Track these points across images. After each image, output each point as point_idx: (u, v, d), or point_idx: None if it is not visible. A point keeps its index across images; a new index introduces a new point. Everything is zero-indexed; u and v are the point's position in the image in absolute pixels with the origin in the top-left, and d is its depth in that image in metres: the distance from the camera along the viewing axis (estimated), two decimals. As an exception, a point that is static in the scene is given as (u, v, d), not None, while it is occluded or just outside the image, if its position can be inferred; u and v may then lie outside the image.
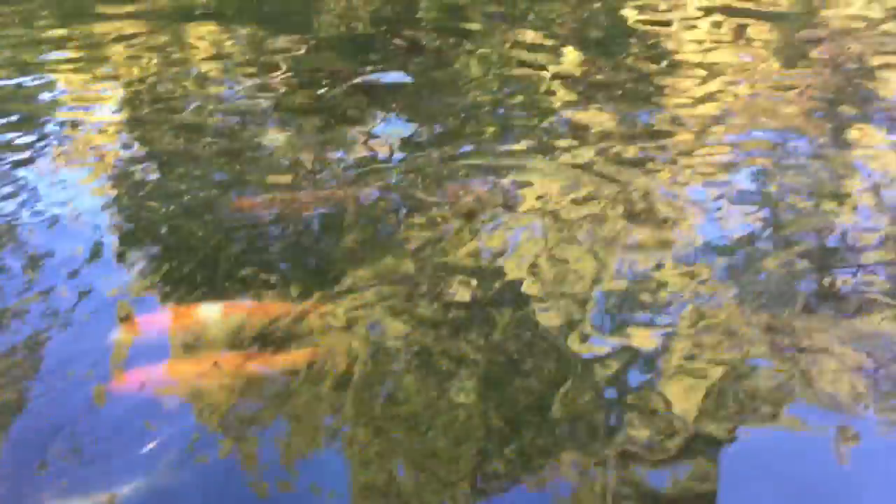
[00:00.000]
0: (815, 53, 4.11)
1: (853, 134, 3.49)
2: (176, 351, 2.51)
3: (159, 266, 2.90)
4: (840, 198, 3.03)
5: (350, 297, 2.67)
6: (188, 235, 3.12)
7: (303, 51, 4.99)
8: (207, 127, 4.05)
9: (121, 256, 2.97)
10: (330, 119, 4.07)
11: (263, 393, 2.33)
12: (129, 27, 5.43)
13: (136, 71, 4.75)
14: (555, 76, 4.26)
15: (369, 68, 4.63)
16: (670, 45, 4.38)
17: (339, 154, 3.68)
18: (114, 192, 3.41)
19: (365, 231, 3.09)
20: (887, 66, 4.04)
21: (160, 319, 2.66)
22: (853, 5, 4.56)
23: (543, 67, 4.36)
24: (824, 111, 3.69)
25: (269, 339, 2.54)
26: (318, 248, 3.10)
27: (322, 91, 4.38)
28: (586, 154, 3.46)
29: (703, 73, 4.11)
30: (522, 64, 4.43)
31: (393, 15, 5.67)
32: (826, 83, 3.88)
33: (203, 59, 4.89)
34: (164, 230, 3.14)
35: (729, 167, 3.29)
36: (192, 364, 2.45)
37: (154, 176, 3.51)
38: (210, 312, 2.66)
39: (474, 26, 5.15)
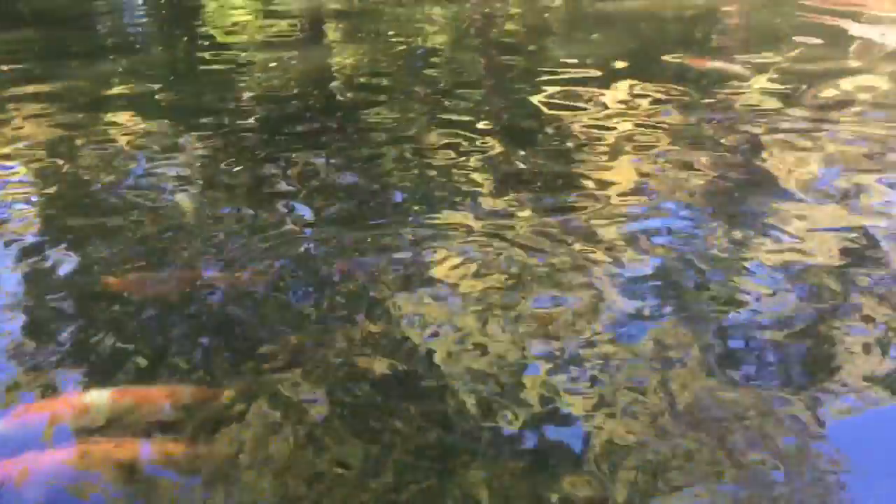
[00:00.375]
0: (718, 135, 4.13)
1: (756, 210, 3.46)
2: (55, 439, 2.34)
3: (43, 351, 2.72)
4: (740, 271, 3.02)
5: (241, 380, 2.51)
6: (72, 316, 2.94)
7: (220, 129, 4.84)
8: (115, 204, 3.91)
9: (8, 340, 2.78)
10: (241, 197, 3.93)
11: (138, 484, 2.18)
12: (38, 108, 5.31)
13: (43, 149, 4.62)
14: (471, 158, 4.18)
15: (285, 146, 4.55)
16: (588, 132, 4.35)
17: (245, 231, 3.55)
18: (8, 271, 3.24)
19: (262, 310, 2.95)
20: (784, 144, 4.00)
21: (43, 408, 2.47)
22: (755, 99, 4.59)
23: (460, 149, 4.29)
24: (727, 189, 3.65)
25: (157, 426, 2.37)
26: (211, 329, 2.91)
27: (237, 169, 4.26)
28: (496, 232, 3.41)
29: (615, 156, 4.05)
30: (440, 146, 4.34)
31: (311, 94, 5.55)
32: (728, 162, 3.86)
33: (113, 139, 4.74)
34: (44, 311, 2.96)
35: (638, 242, 3.23)
36: (66, 452, 2.27)
37: (49, 254, 3.34)
38: (95, 399, 2.46)
39: (393, 106, 5.06)
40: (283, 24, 7.59)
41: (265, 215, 3.68)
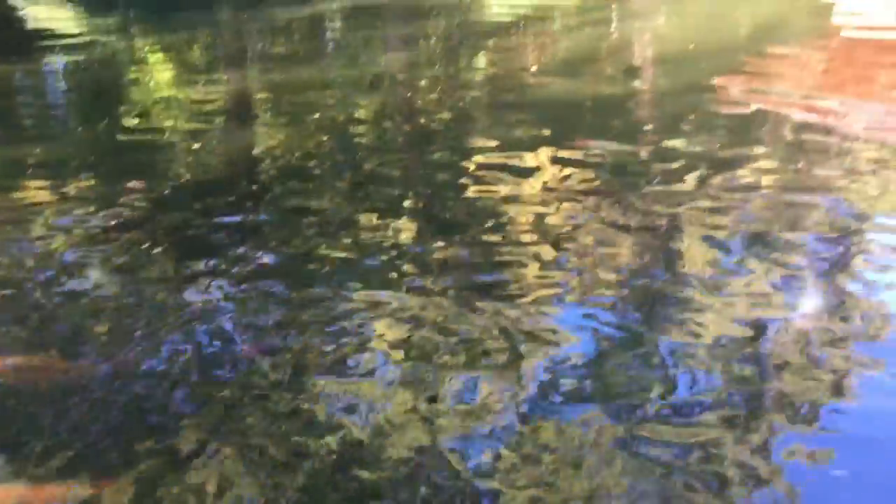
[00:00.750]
0: (632, 219, 4.23)
1: (670, 294, 3.55)
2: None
3: None
4: (654, 355, 3.06)
5: (136, 472, 2.40)
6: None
7: (138, 210, 4.77)
8: (26, 288, 3.78)
9: None
10: (156, 279, 3.84)
11: None
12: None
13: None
14: (394, 240, 4.21)
15: (206, 228, 4.50)
16: (508, 215, 4.44)
17: (155, 313, 3.46)
18: None
19: (161, 393, 2.85)
20: (700, 225, 4.15)
21: None
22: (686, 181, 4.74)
23: (382, 231, 4.31)
24: (642, 273, 3.75)
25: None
26: (102, 417, 2.79)
27: (156, 251, 4.18)
28: (417, 315, 3.41)
29: (534, 240, 4.10)
30: (362, 229, 4.36)
31: (235, 175, 5.54)
32: (643, 248, 3.99)
33: (27, 221, 4.62)
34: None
35: (557, 325, 3.28)
36: None
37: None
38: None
39: (317, 188, 5.08)
40: (210, 103, 7.58)
41: (179, 297, 3.59)
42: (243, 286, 3.70)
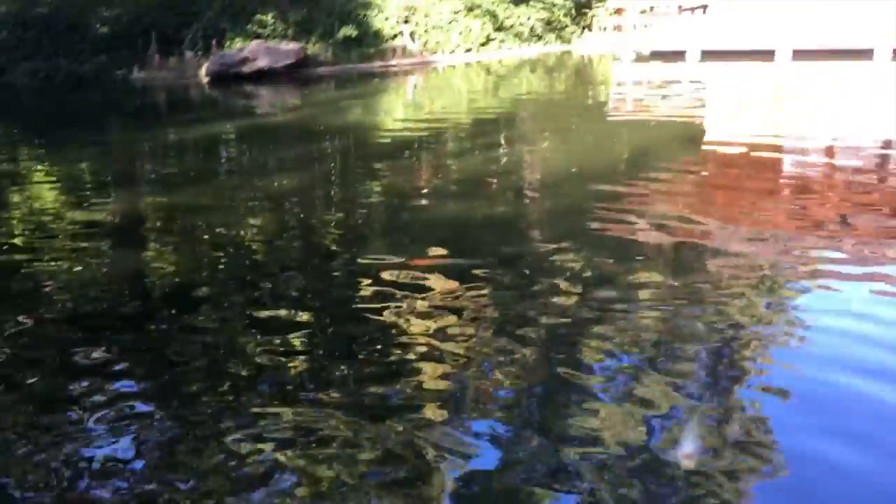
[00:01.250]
0: (526, 334, 4.40)
1: (560, 409, 3.66)
2: None
3: None
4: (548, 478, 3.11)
5: None
6: None
7: (9, 343, 4.60)
8: None
9: None
10: (22, 424, 3.69)
11: None
12: None
13: None
14: (288, 362, 4.20)
15: (85, 347, 4.38)
16: (402, 332, 4.52)
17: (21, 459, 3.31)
18: None
19: None
20: (586, 337, 4.36)
21: None
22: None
23: (276, 353, 4.30)
24: (535, 383, 3.90)
25: None
26: None
27: (30, 381, 4.02)
28: (309, 438, 3.38)
29: (427, 357, 4.19)
30: (255, 353, 4.32)
31: (120, 299, 5.45)
32: (535, 358, 4.13)
33: None
34: None
35: (450, 448, 3.31)
36: None
37: None
38: None
39: (208, 312, 5.03)
40: (97, 225, 7.41)
41: (38, 423, 3.42)
42: (123, 416, 3.56)
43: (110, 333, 4.64)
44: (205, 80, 19.20)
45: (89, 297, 5.33)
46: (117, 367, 4.15)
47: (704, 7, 20.78)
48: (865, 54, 15.37)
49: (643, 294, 4.96)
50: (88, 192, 9.07)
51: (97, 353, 4.33)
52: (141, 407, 3.71)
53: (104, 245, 6.84)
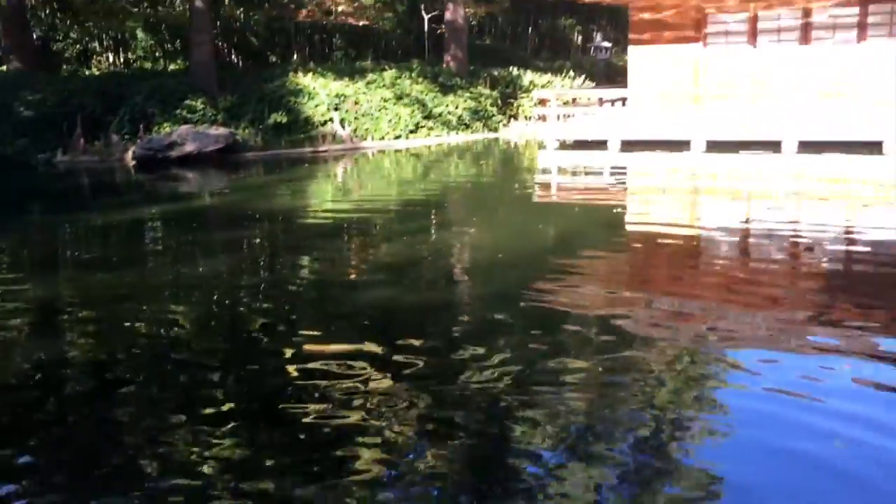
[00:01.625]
0: (458, 418, 4.45)
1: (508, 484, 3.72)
2: None
3: None
4: None
5: None
6: None
7: None
8: None
9: None
10: None
11: None
12: None
13: None
14: (210, 451, 4.12)
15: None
16: (333, 419, 4.52)
17: None
18: None
19: None
20: (518, 421, 4.39)
21: None
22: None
23: (199, 443, 4.21)
24: (471, 465, 3.94)
25: None
26: None
27: None
28: None
29: (362, 443, 4.20)
30: (179, 444, 4.23)
31: (38, 381, 5.30)
32: (467, 442, 4.18)
33: None
34: None
35: None
36: None
37: None
38: None
39: (130, 401, 4.92)
40: (11, 313, 7.14)
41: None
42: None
43: (15, 431, 4.44)
44: (131, 164, 18.99)
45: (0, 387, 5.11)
46: (25, 461, 3.95)
47: (624, 100, 21.82)
48: (775, 146, 16.27)
49: (569, 378, 5.02)
50: (4, 278, 8.76)
51: (6, 450, 4.13)
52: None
53: (17, 333, 6.58)
